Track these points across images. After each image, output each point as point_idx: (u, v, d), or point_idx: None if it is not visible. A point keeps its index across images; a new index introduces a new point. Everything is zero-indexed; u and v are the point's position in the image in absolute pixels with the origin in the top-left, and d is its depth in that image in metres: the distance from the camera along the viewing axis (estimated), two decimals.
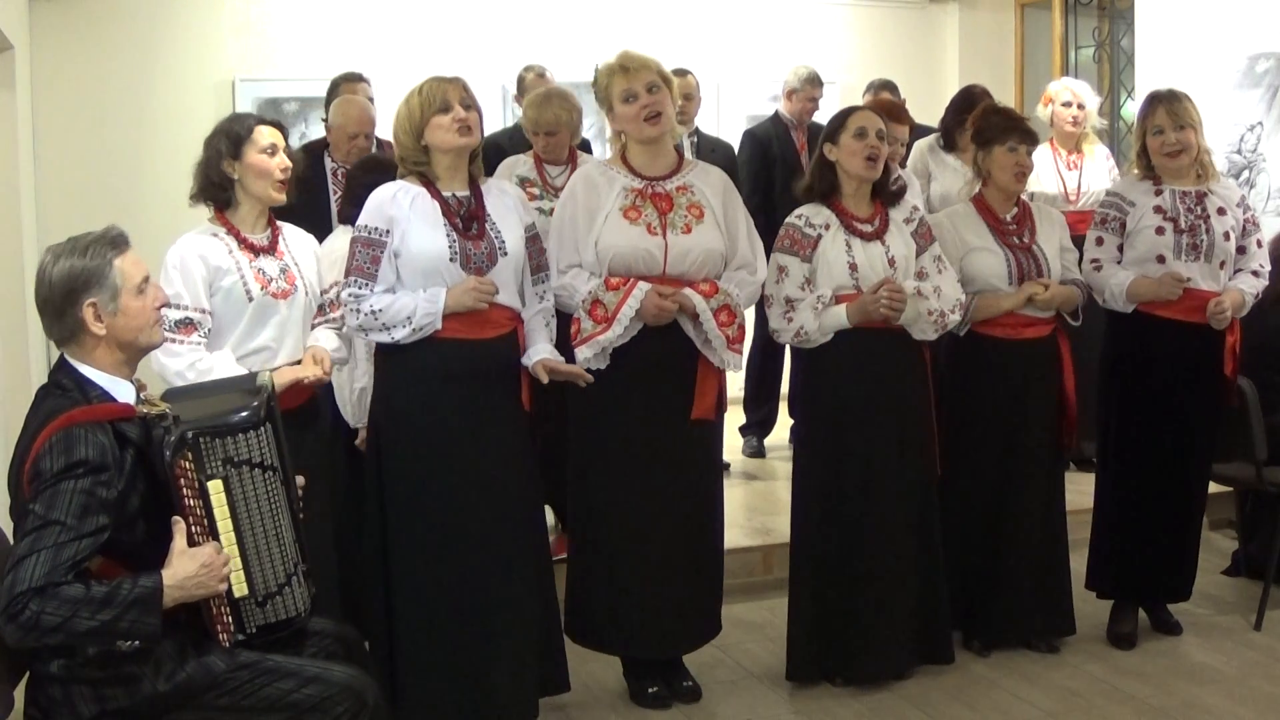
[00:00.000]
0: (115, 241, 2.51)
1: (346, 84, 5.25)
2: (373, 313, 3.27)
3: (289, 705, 2.46)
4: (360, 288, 3.29)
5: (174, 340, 3.18)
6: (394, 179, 3.45)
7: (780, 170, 5.92)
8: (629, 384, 3.54)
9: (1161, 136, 3.98)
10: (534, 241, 3.50)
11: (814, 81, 6.07)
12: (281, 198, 3.35)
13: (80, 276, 2.44)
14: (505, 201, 3.46)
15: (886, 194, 3.85)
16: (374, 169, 3.85)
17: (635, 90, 3.54)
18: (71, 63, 6.63)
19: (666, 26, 7.37)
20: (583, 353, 3.50)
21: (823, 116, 6.28)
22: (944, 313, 3.79)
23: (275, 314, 3.34)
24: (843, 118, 3.79)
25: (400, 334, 3.27)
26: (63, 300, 2.45)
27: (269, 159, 3.31)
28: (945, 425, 4.01)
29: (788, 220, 3.81)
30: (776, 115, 6.16)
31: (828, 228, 3.74)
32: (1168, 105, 3.99)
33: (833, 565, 3.78)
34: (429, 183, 3.36)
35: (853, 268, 3.70)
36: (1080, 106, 5.58)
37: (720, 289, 3.57)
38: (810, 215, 3.77)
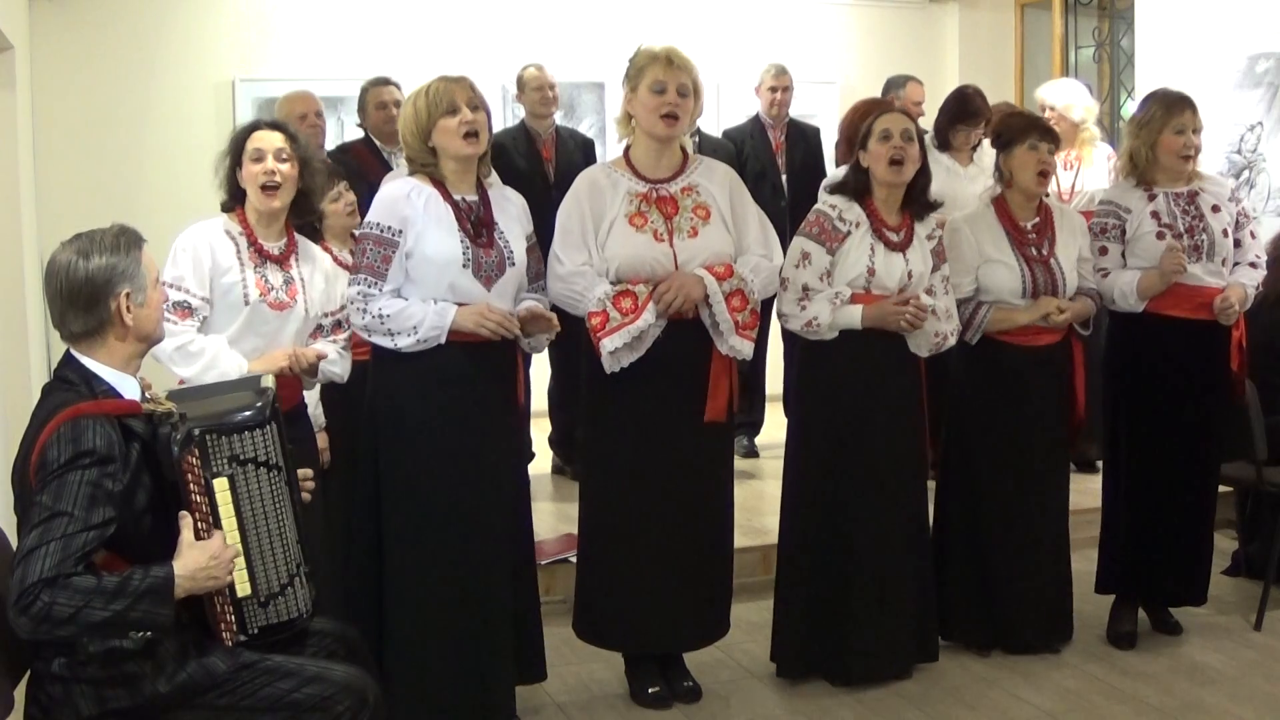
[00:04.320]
0: (138, 237, 2.57)
1: (374, 88, 5.33)
2: (380, 316, 3.27)
3: (289, 705, 2.46)
4: (370, 286, 3.29)
5: (169, 320, 3.18)
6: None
7: (752, 169, 5.92)
8: (641, 384, 3.51)
9: (1183, 137, 3.97)
10: (532, 251, 3.50)
11: (772, 73, 6.12)
12: (268, 204, 3.34)
13: (118, 269, 2.48)
14: (509, 210, 3.47)
15: (916, 205, 3.81)
16: None
17: (667, 85, 3.51)
18: (71, 63, 6.63)
19: (666, 26, 7.35)
20: (612, 342, 3.41)
21: (797, 108, 6.30)
22: (946, 335, 3.82)
23: (267, 323, 3.35)
24: (870, 124, 3.76)
25: (404, 342, 3.27)
26: (98, 292, 2.47)
27: (253, 165, 3.32)
28: (955, 428, 4.03)
29: (818, 207, 3.80)
30: (756, 117, 6.20)
31: (858, 226, 3.73)
32: (1194, 108, 4.00)
33: (827, 563, 3.79)
34: (439, 184, 3.36)
35: (870, 272, 3.70)
36: (1053, 109, 5.59)
37: (735, 273, 3.55)
38: (844, 209, 3.75)
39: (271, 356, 3.32)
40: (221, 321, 3.31)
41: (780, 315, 3.77)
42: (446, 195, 3.34)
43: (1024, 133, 3.95)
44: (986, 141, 5.02)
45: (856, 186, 3.79)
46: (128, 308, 2.49)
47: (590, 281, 3.47)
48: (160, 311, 2.60)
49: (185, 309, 3.25)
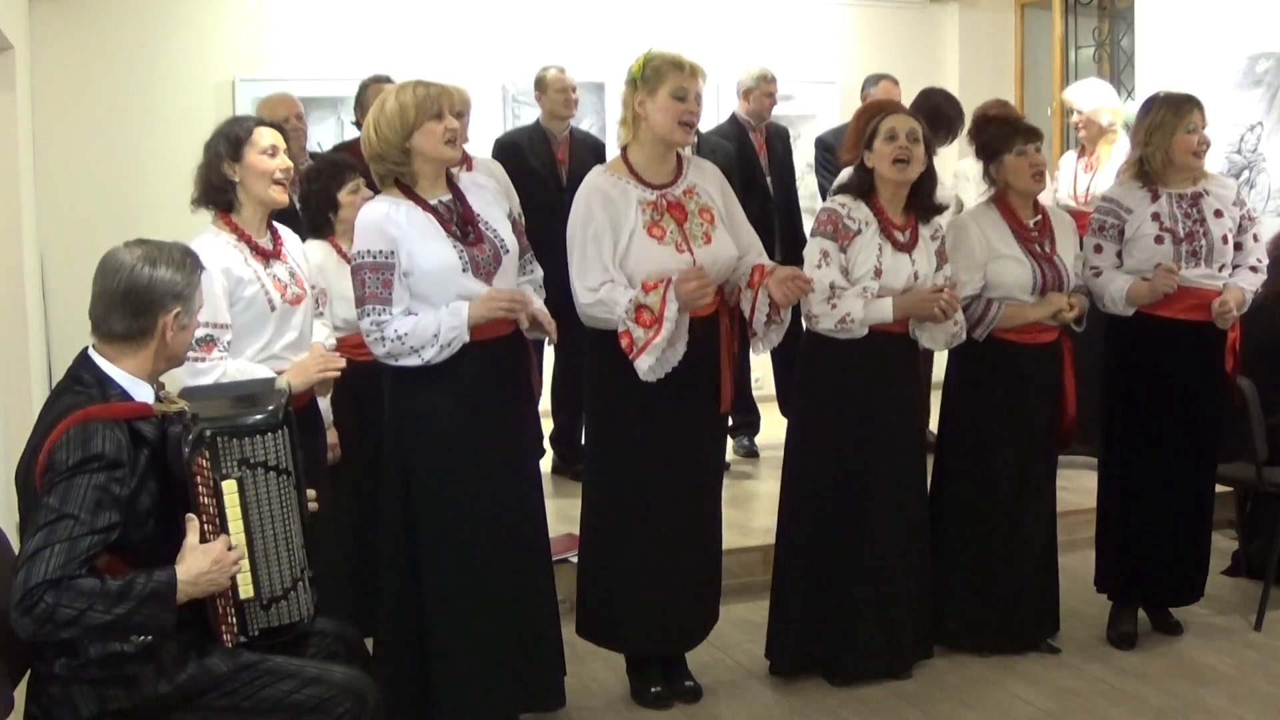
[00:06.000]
0: (200, 263, 2.60)
1: (375, 85, 5.32)
2: (398, 338, 3.21)
3: (289, 706, 2.47)
4: (380, 314, 3.22)
5: (197, 359, 3.06)
6: (341, 179, 3.76)
7: (739, 171, 5.90)
8: (647, 383, 3.47)
9: (1196, 135, 3.97)
10: (516, 229, 3.48)
11: (767, 78, 6.08)
12: (283, 198, 3.32)
13: (179, 286, 2.51)
14: (487, 196, 3.43)
15: (922, 207, 3.82)
16: (317, 177, 3.89)
17: (688, 92, 3.49)
18: (71, 63, 6.63)
19: (666, 27, 7.36)
20: (645, 361, 3.41)
21: (798, 108, 6.28)
22: (962, 327, 3.84)
23: (292, 318, 3.30)
24: (876, 124, 3.76)
25: (429, 354, 3.22)
26: (154, 303, 2.49)
27: (269, 160, 3.25)
28: (952, 425, 4.03)
29: (828, 205, 3.80)
30: (733, 117, 6.15)
31: (867, 225, 3.73)
32: (1200, 106, 4.01)
33: (825, 561, 3.79)
34: (411, 193, 3.30)
35: (877, 273, 3.70)
36: (1081, 113, 5.59)
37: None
38: (852, 208, 3.75)
39: (303, 368, 3.27)
40: (251, 333, 3.22)
41: (809, 317, 3.74)
42: (423, 204, 3.29)
43: (1009, 140, 3.95)
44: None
45: (861, 187, 3.79)
46: (173, 327, 2.51)
47: (618, 295, 3.44)
48: (190, 338, 2.62)
49: (209, 342, 3.11)
